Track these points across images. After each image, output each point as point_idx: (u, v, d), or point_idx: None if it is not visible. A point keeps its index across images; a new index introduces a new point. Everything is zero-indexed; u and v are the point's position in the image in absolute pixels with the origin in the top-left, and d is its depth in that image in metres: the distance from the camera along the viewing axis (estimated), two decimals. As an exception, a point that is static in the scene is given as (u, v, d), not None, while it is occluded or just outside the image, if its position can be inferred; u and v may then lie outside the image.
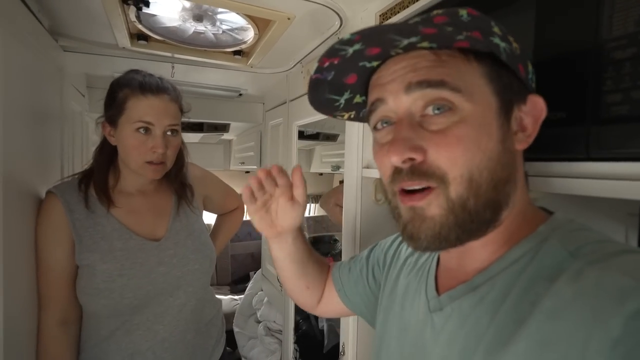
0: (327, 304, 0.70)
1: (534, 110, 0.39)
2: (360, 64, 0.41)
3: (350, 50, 0.38)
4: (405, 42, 0.36)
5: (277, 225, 0.61)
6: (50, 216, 0.79)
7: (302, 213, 0.60)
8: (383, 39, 0.36)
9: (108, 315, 0.81)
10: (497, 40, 0.37)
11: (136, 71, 0.84)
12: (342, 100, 0.49)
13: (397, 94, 0.39)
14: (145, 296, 0.82)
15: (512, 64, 0.38)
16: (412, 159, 0.37)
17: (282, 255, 0.64)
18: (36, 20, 0.84)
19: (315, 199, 3.44)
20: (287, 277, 0.68)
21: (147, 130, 0.80)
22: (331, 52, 0.39)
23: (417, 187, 0.38)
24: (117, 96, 0.80)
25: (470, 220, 0.37)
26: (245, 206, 0.73)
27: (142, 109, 0.79)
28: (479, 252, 0.41)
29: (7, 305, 0.63)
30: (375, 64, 0.42)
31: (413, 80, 0.37)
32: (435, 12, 0.38)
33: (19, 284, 0.71)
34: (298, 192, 0.58)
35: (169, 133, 0.83)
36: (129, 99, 0.79)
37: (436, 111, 0.37)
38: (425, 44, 0.37)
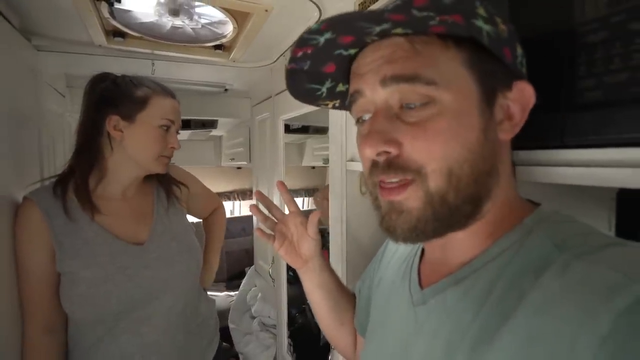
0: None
1: (521, 98, 0.37)
2: (336, 52, 0.40)
3: (322, 39, 0.37)
4: (377, 29, 0.34)
5: (301, 254, 0.63)
6: (27, 222, 0.76)
7: (318, 240, 0.63)
8: (353, 27, 0.35)
9: (94, 321, 0.80)
10: (480, 23, 0.33)
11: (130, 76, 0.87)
12: (324, 89, 0.48)
13: (374, 87, 0.37)
14: (132, 300, 0.81)
15: (496, 49, 0.35)
16: (387, 152, 0.36)
17: (312, 286, 0.65)
18: (4, 19, 0.81)
19: (308, 192, 3.43)
20: (322, 315, 0.67)
21: (168, 127, 0.86)
22: (301, 42, 0.38)
23: (393, 180, 0.37)
24: (135, 93, 0.82)
25: (450, 214, 0.36)
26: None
27: (167, 107, 0.85)
28: (461, 244, 0.40)
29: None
30: (352, 51, 0.40)
31: (388, 73, 0.36)
32: None
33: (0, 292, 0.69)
34: (311, 229, 0.62)
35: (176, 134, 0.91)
36: (152, 97, 0.83)
37: (413, 104, 0.36)
38: (399, 30, 0.35)
